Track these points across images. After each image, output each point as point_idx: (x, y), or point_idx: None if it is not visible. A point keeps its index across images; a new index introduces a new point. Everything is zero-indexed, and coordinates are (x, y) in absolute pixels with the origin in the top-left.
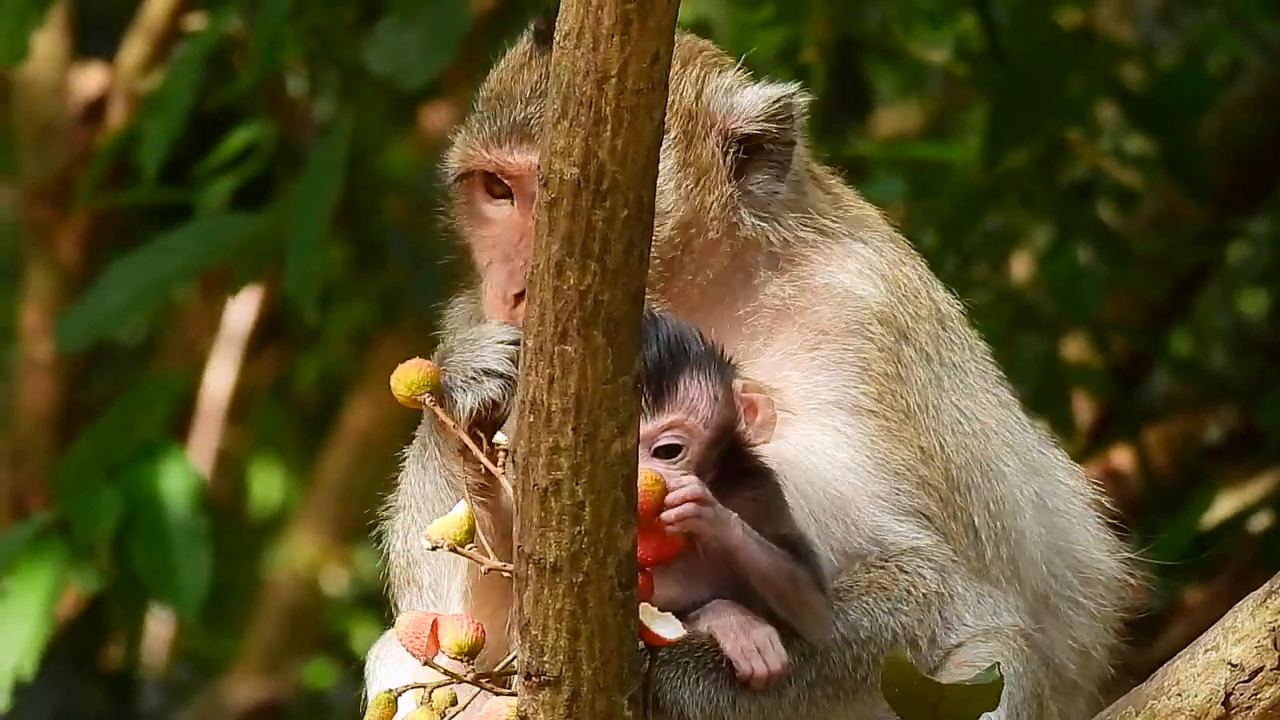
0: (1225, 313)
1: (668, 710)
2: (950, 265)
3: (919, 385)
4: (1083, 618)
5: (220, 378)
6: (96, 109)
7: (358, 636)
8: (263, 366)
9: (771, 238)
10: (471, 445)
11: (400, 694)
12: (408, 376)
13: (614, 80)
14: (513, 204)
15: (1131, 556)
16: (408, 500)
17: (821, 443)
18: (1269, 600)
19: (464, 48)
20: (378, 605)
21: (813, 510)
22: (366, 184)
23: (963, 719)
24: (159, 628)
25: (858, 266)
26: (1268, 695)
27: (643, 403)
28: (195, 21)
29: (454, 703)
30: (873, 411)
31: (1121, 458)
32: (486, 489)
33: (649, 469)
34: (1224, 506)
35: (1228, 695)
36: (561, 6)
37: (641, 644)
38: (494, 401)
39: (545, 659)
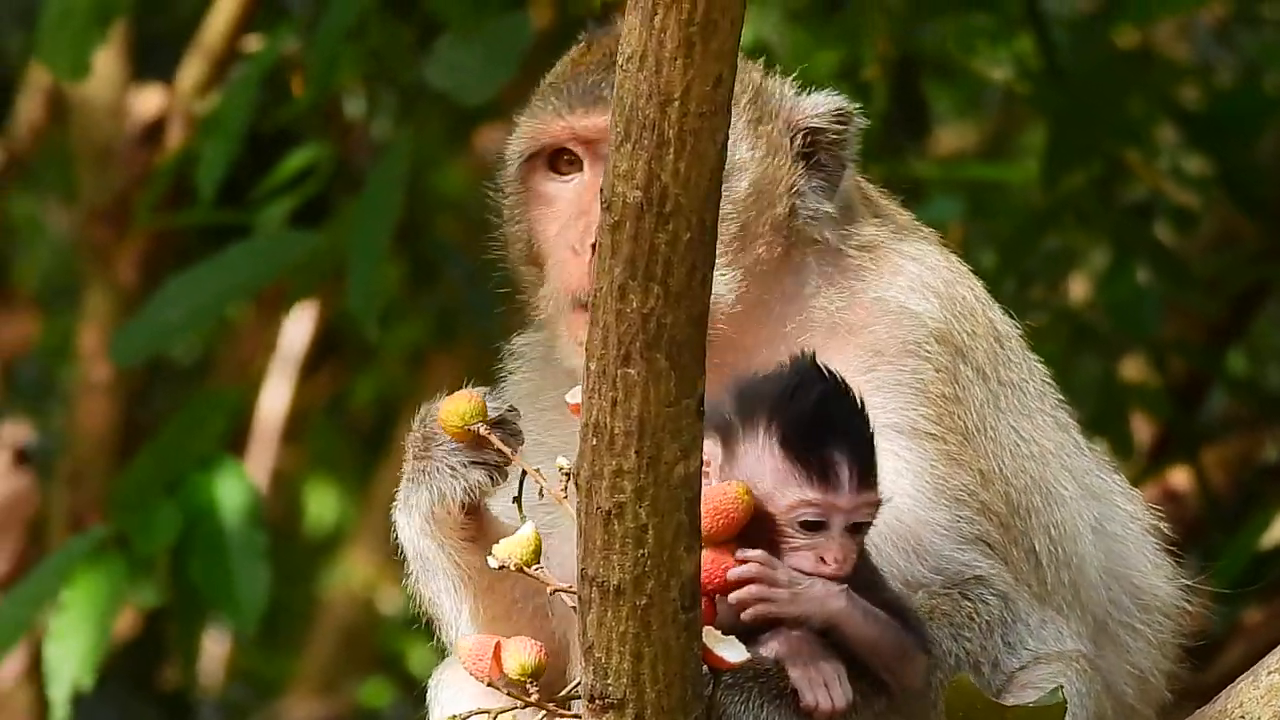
0: None
1: None
2: (1009, 286)
3: (977, 406)
4: (1141, 643)
5: (275, 397)
6: (154, 130)
7: (413, 656)
8: (318, 386)
9: (825, 236)
10: (532, 473)
11: (467, 718)
12: (458, 408)
13: (677, 103)
14: (583, 172)
15: (1189, 583)
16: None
17: (883, 468)
18: None
19: (521, 67)
20: (433, 625)
21: (875, 540)
22: (422, 203)
23: None
24: (215, 647)
25: (910, 283)
26: None
27: (857, 475)
28: (253, 43)
29: None
30: (931, 435)
31: (1180, 478)
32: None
33: (838, 540)
34: None
35: None
36: (624, 30)
37: (705, 667)
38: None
39: (609, 682)
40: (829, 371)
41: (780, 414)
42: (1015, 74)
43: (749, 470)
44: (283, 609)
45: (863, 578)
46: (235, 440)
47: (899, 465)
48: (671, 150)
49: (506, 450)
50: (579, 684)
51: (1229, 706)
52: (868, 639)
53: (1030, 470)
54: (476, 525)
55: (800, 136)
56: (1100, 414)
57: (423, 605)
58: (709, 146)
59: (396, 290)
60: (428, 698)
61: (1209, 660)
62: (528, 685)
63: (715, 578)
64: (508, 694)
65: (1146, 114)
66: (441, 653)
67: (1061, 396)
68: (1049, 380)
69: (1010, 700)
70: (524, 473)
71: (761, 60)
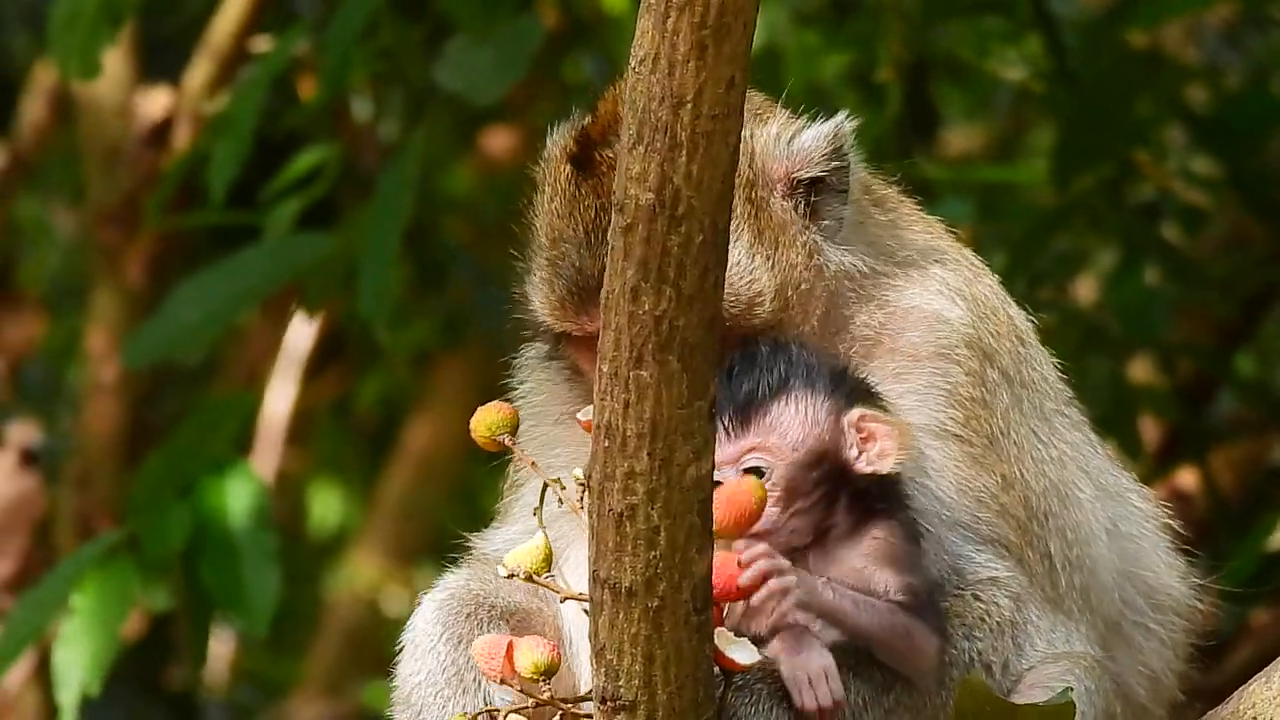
0: None
1: None
2: (1019, 287)
3: (1002, 410)
4: (1153, 643)
5: (281, 399)
6: (162, 131)
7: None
8: (323, 387)
9: (857, 263)
10: (553, 485)
11: (476, 718)
12: (487, 418)
13: (689, 105)
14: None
15: (1201, 582)
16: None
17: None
18: None
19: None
20: None
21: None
22: (430, 204)
23: None
24: (221, 648)
25: (939, 287)
26: None
27: (727, 427)
28: (261, 44)
29: None
30: (958, 436)
31: (1188, 480)
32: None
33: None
34: None
35: None
36: (637, 32)
37: (716, 669)
38: None
39: (620, 683)
40: (785, 344)
41: None
42: (1029, 74)
43: None
44: (288, 610)
45: (889, 557)
46: (241, 442)
47: (924, 465)
48: (684, 153)
49: (529, 462)
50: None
51: (1241, 708)
52: (864, 628)
53: (1049, 473)
54: None
55: (805, 189)
56: (1109, 415)
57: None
58: (721, 149)
59: (403, 292)
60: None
61: (1217, 661)
62: (540, 684)
63: (725, 581)
64: (520, 691)
65: (1155, 116)
66: None
67: (1072, 394)
68: (1061, 375)
69: (1020, 700)
70: (544, 484)
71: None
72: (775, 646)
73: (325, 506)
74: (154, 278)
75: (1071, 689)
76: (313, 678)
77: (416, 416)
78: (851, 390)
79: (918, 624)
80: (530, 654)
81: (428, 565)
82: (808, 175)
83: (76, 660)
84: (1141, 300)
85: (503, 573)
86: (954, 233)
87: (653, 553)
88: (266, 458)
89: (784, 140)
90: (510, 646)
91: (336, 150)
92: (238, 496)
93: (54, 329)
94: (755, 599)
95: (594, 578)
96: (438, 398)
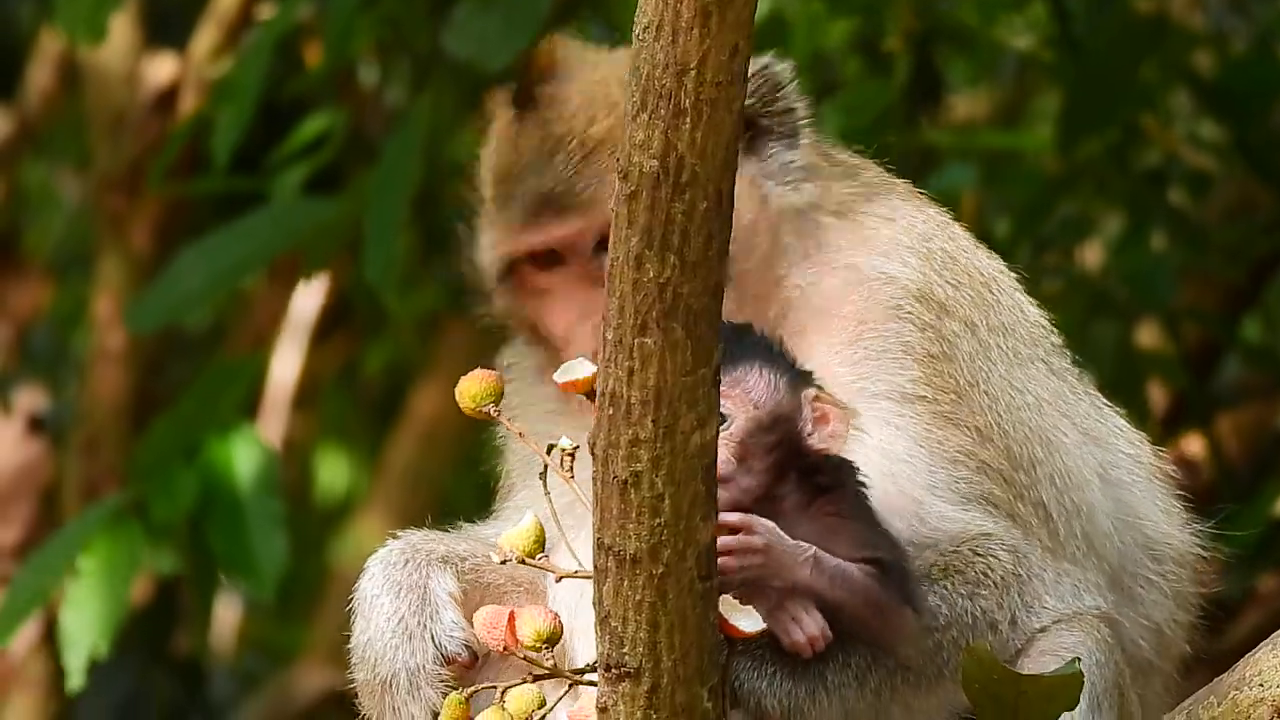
0: None
1: (746, 702)
2: (1024, 253)
3: (966, 360)
4: (1155, 595)
5: (287, 365)
6: (167, 98)
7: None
8: (329, 354)
9: (801, 206)
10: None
11: (471, 695)
12: (472, 388)
13: (693, 73)
14: (567, 266)
15: (1203, 528)
16: None
17: (874, 438)
18: None
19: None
20: None
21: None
22: (435, 170)
23: (1045, 716)
24: (228, 616)
25: (885, 246)
26: None
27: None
28: (266, 10)
29: (541, 704)
30: (922, 397)
31: (1194, 446)
32: None
33: None
34: None
35: None
36: (640, 1)
37: (721, 636)
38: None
39: (625, 650)
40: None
41: None
42: (1035, 41)
43: None
44: (294, 577)
45: (842, 532)
46: (247, 408)
47: (890, 433)
48: (688, 120)
49: (517, 434)
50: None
51: (1248, 674)
52: (838, 600)
53: (1028, 420)
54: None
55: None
56: (1115, 381)
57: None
58: (725, 116)
59: (409, 258)
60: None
61: (1223, 628)
62: (543, 652)
63: None
64: (523, 659)
65: (1161, 81)
66: None
67: (1057, 341)
68: (1044, 323)
69: (1030, 667)
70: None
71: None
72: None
73: (331, 473)
74: (159, 244)
75: (1080, 659)
76: (319, 645)
77: (423, 383)
78: (806, 372)
79: (889, 595)
80: (533, 623)
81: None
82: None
83: (84, 623)
84: (1148, 266)
85: (496, 558)
86: (917, 192)
87: (657, 520)
88: (273, 424)
89: None
90: (512, 616)
91: (342, 117)
92: (245, 461)
93: (60, 295)
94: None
95: (598, 545)
96: (444, 364)
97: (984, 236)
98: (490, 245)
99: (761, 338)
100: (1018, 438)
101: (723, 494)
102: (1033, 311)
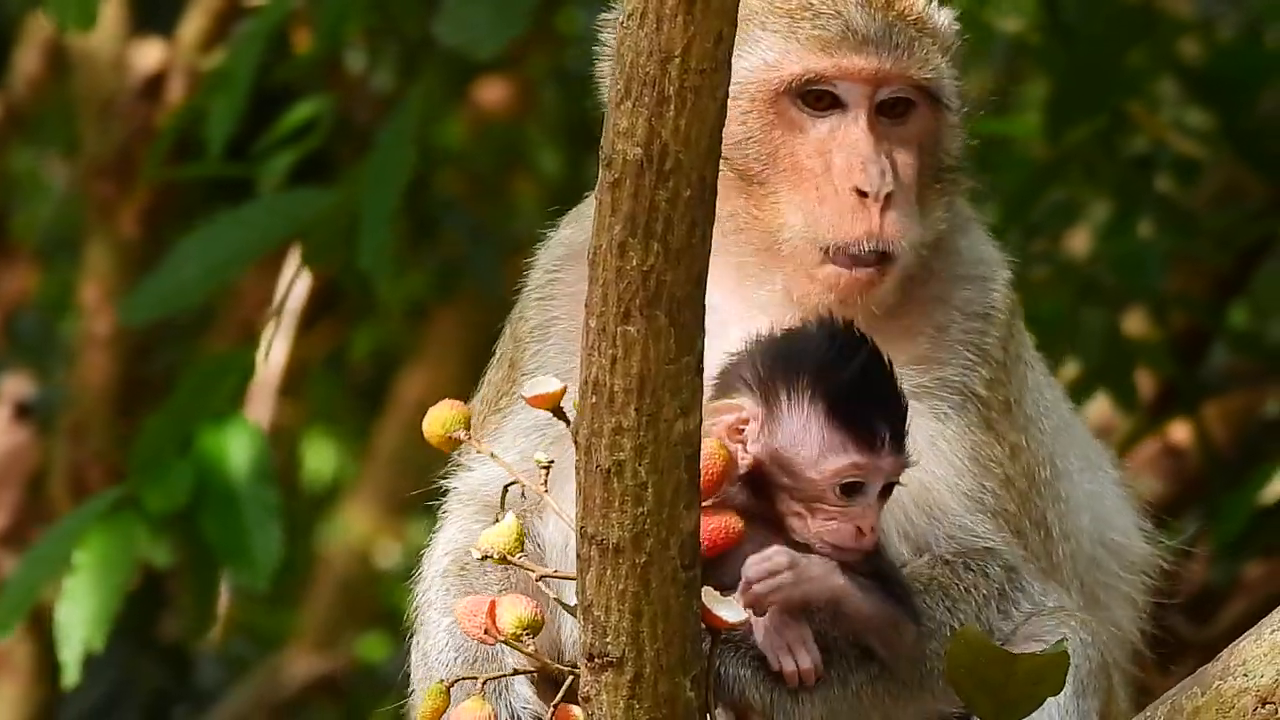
0: None
1: (729, 693)
2: (1014, 240)
3: (1019, 377)
4: (1119, 600)
5: (274, 351)
6: (155, 84)
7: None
8: (317, 340)
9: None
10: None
11: (452, 685)
12: (440, 416)
13: (677, 60)
14: (844, 112)
15: (1166, 542)
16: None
17: (927, 427)
18: None
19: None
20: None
21: (901, 497)
22: (424, 157)
23: (1031, 700)
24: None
25: (984, 248)
26: None
27: (894, 438)
28: None
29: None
30: (981, 398)
31: (1181, 433)
32: None
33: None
34: None
35: None
36: None
37: (704, 626)
38: None
39: (608, 640)
40: (864, 335)
41: (825, 380)
42: (1024, 27)
43: (792, 436)
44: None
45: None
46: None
47: (938, 427)
48: (672, 107)
49: (488, 454)
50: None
51: (1232, 664)
52: (864, 613)
53: (1047, 444)
54: None
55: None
56: (1103, 367)
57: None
58: (709, 103)
59: (396, 244)
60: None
61: (1210, 616)
62: (525, 640)
63: (711, 537)
64: (505, 643)
65: (1149, 68)
66: None
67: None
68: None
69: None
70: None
71: None
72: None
73: (319, 459)
74: (147, 230)
75: (1066, 639)
76: (306, 630)
77: (410, 369)
78: None
79: (899, 608)
80: (513, 611)
81: (421, 518)
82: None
83: (79, 617)
84: (1136, 253)
85: (476, 555)
86: None
87: (640, 509)
88: (260, 410)
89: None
90: (493, 605)
91: (330, 103)
92: (238, 450)
93: (48, 281)
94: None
95: (581, 534)
96: (431, 350)
97: None
98: (778, 57)
99: (882, 363)
100: (1039, 459)
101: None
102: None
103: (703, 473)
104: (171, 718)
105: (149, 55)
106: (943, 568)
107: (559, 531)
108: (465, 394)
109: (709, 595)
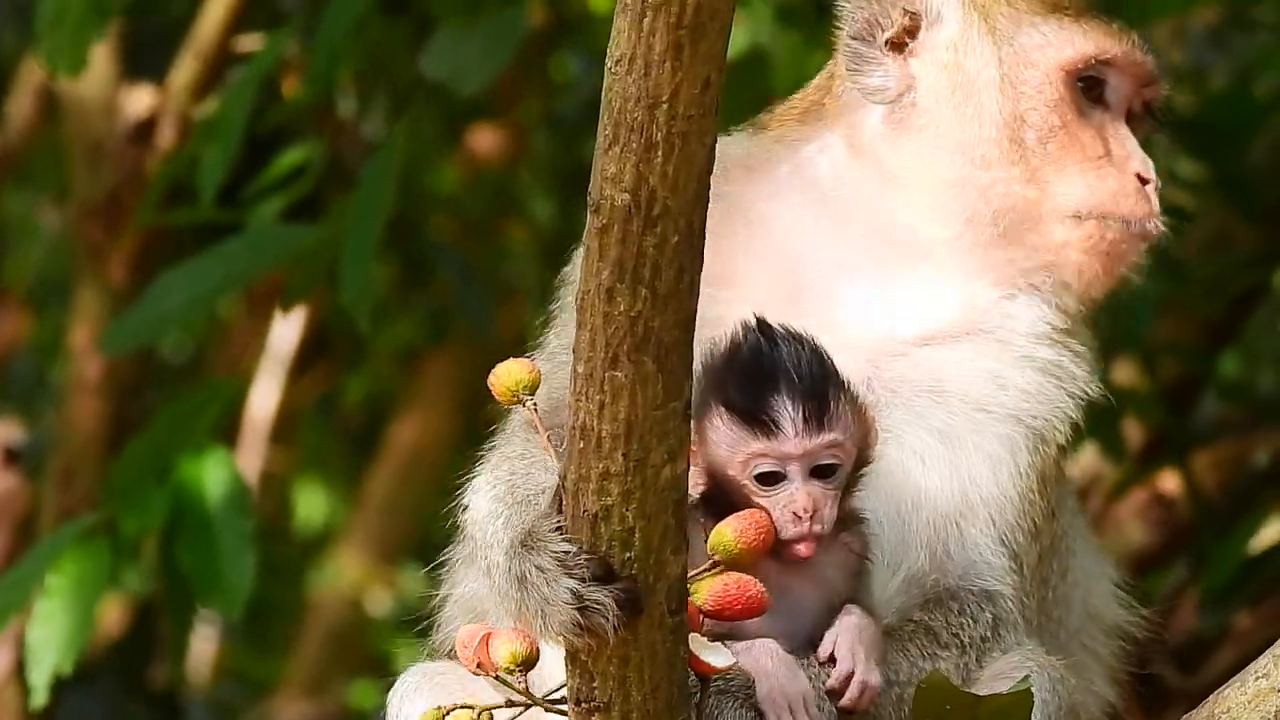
0: (1275, 336)
1: None
2: None
3: (1067, 428)
4: (1092, 661)
5: (265, 397)
6: (146, 129)
7: (401, 658)
8: (308, 385)
9: None
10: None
11: (449, 712)
12: (511, 374)
13: (665, 106)
14: (1104, 108)
15: (1145, 614)
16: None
17: (994, 451)
18: None
19: (516, 65)
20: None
21: (945, 509)
22: (415, 201)
23: None
24: (204, 646)
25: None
26: None
27: (806, 418)
28: (246, 43)
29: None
30: (1051, 452)
31: (1170, 482)
32: None
33: (764, 507)
34: (1272, 531)
35: None
36: (613, 33)
37: (691, 673)
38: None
39: (595, 684)
40: (764, 322)
41: (722, 379)
42: None
43: (711, 445)
44: (272, 609)
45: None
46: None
47: (1008, 456)
48: (660, 153)
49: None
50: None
51: (1216, 711)
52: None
53: (1066, 498)
54: None
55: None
56: (1092, 417)
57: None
58: (697, 149)
59: (388, 288)
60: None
61: (1199, 665)
62: (517, 675)
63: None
64: (496, 679)
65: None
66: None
67: None
68: None
69: (982, 692)
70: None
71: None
72: (746, 661)
73: (310, 505)
74: (137, 275)
75: (1030, 677)
76: (296, 676)
77: (402, 414)
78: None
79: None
80: (509, 645)
81: (412, 565)
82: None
83: (50, 641)
84: (1125, 302)
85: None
86: None
87: (627, 554)
88: (252, 456)
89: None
90: (487, 637)
91: (321, 147)
92: (215, 480)
93: (38, 325)
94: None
95: None
96: (423, 395)
97: None
98: (1066, 43)
99: (827, 353)
100: (1064, 525)
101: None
102: None
103: (762, 539)
104: None
105: (140, 100)
106: (936, 607)
107: None
108: (456, 440)
109: (696, 641)
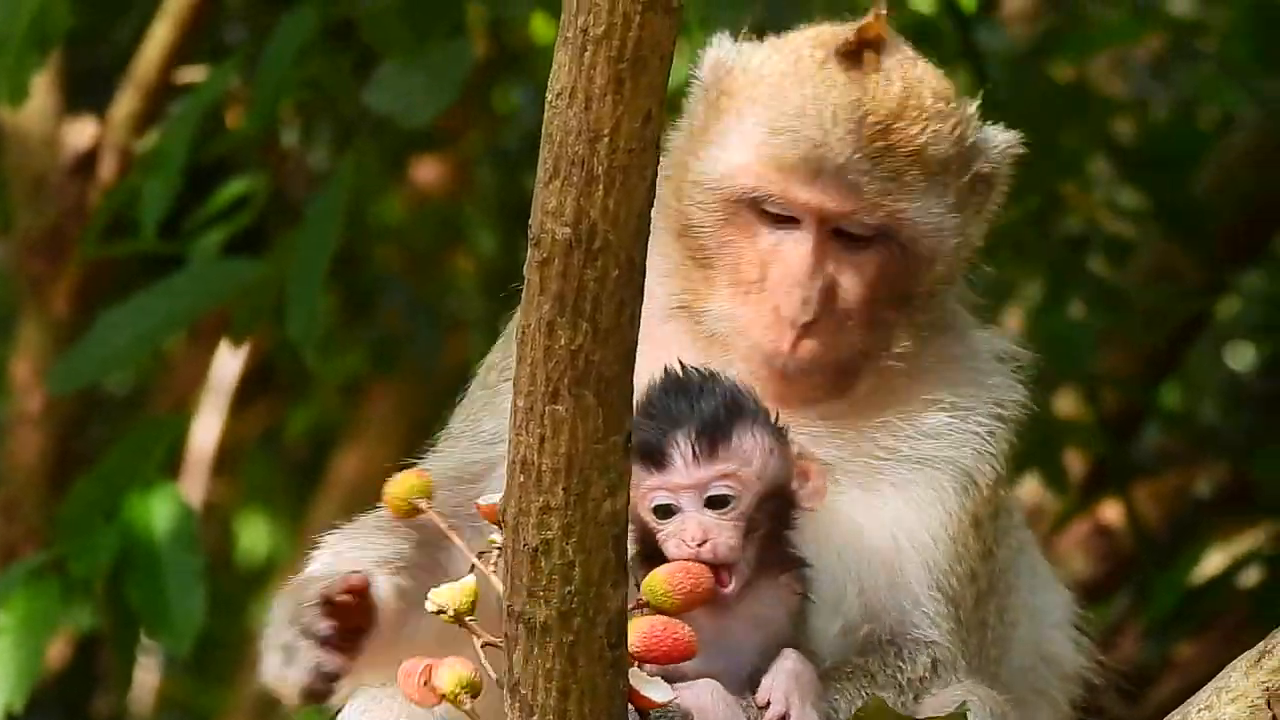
0: (1216, 367)
1: None
2: None
3: (1004, 481)
4: (1045, 704)
5: (208, 429)
6: (87, 162)
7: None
8: (252, 417)
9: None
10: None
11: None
12: (405, 483)
13: (606, 139)
14: (801, 230)
15: (1102, 660)
16: None
17: (922, 496)
18: (1263, 659)
19: (461, 96)
20: None
21: (873, 552)
22: (360, 233)
23: None
24: (147, 677)
25: (997, 339)
26: None
27: (695, 450)
28: (188, 75)
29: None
30: (975, 485)
31: (1112, 512)
32: None
33: (692, 559)
34: (1214, 561)
35: None
36: (554, 66)
37: (631, 707)
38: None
39: (535, 718)
40: (678, 366)
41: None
42: None
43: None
44: (215, 640)
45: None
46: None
47: (936, 500)
48: (601, 187)
49: (445, 529)
50: None
51: None
52: None
53: (1009, 558)
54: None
55: (981, 183)
56: (1034, 448)
57: None
58: (638, 183)
59: (333, 320)
60: None
61: (1142, 696)
62: (464, 700)
63: (659, 646)
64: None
65: (1082, 148)
66: None
67: None
68: None
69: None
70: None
71: None
72: (687, 698)
73: (253, 537)
74: (80, 308)
75: (968, 704)
76: (239, 708)
77: (346, 447)
78: (782, 428)
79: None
80: (453, 671)
81: None
82: (988, 170)
83: (1, 677)
84: (1067, 333)
85: (430, 608)
86: None
87: (567, 588)
88: (194, 487)
89: (990, 134)
90: (429, 668)
91: (263, 179)
92: (163, 516)
93: None
94: None
95: (509, 613)
96: (368, 428)
97: None
98: (735, 165)
99: (741, 391)
100: (1003, 567)
101: (729, 585)
102: None
103: (694, 592)
104: None
105: (81, 133)
106: (873, 651)
107: None
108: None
109: (636, 675)
